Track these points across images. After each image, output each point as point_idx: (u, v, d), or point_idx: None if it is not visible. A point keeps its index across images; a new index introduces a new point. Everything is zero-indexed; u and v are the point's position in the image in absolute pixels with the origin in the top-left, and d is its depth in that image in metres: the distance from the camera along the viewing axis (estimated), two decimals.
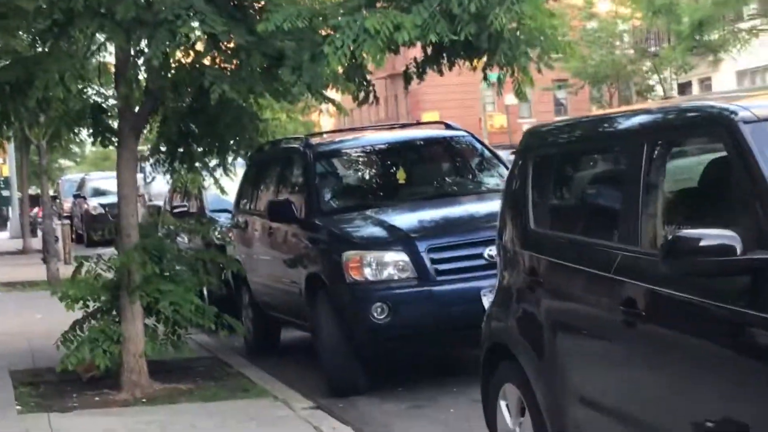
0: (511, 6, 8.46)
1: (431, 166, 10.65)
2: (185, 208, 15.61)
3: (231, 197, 13.60)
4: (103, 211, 30.91)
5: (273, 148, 11.67)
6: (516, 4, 8.41)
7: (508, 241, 6.02)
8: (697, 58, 36.16)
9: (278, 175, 11.05)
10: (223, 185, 13.79)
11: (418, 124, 11.84)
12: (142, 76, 10.44)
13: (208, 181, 13.81)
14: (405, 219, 9.35)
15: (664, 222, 4.61)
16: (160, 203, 18.70)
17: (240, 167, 14.02)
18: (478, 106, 55.56)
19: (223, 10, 9.30)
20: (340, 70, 9.32)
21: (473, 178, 10.42)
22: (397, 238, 8.90)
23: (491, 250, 8.63)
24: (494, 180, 10.28)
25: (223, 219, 14.69)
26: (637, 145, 4.81)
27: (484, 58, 10.44)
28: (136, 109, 10.53)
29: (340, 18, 8.73)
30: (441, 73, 10.67)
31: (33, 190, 42.22)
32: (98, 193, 33.13)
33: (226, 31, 9.05)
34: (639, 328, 4.55)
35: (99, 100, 11.79)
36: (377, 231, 9.12)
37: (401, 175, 10.27)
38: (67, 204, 36.40)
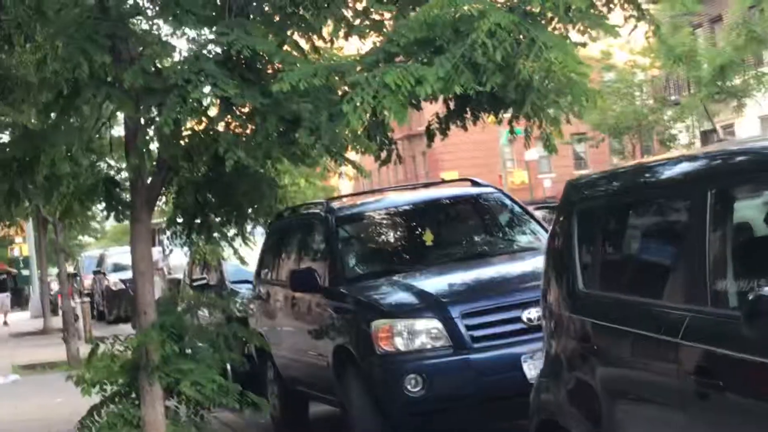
0: (539, 53, 7.98)
1: (459, 226, 10.12)
2: (205, 281, 15.13)
3: (252, 267, 13.18)
4: (123, 287, 30.39)
5: (293, 214, 11.19)
6: (545, 51, 7.92)
7: (554, 304, 5.49)
8: (720, 104, 35.70)
9: (299, 242, 10.55)
10: (242, 255, 13.37)
11: (443, 182, 11.34)
12: (153, 146, 10.00)
13: (228, 252, 13.39)
14: (435, 283, 8.82)
15: (738, 277, 4.07)
16: (180, 276, 18.22)
17: (260, 236, 13.60)
18: (498, 163, 55.20)
19: (235, 73, 8.87)
20: (360, 129, 8.86)
21: (504, 237, 9.89)
22: (429, 304, 8.36)
23: (529, 313, 8.11)
24: (526, 237, 9.76)
25: (245, 290, 14.22)
26: (699, 192, 4.28)
27: (510, 111, 10.01)
28: (149, 180, 10.08)
29: (357, 74, 8.28)
30: (465, 128, 10.20)
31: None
32: (118, 268, 32.67)
33: (239, 94, 8.60)
34: (716, 399, 3.99)
35: (111, 173, 11.38)
36: (407, 297, 8.59)
37: (428, 237, 9.75)
38: (88, 281, 36.02)
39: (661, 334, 4.39)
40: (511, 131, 10.43)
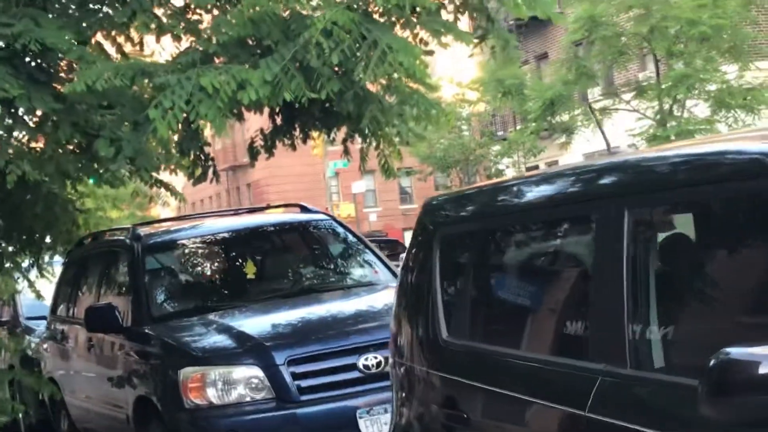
0: (383, 57, 6.83)
1: (286, 257, 8.85)
2: None
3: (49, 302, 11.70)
4: None
5: (94, 242, 9.75)
6: (389, 54, 6.78)
7: (408, 356, 4.30)
8: (546, 141, 35.53)
9: (101, 274, 9.12)
10: (38, 289, 11.85)
11: (269, 207, 10.08)
12: None
13: (22, 284, 11.83)
14: (256, 323, 7.55)
15: (675, 330, 2.97)
16: None
17: (59, 266, 12.09)
18: (324, 196, 54.23)
19: (22, 72, 7.47)
20: (173, 139, 7.57)
21: (337, 270, 8.67)
22: (249, 349, 7.08)
23: (366, 360, 6.94)
24: (362, 271, 8.58)
25: (42, 328, 12.64)
26: (613, 211, 3.18)
27: (344, 127, 8.87)
28: None
29: (168, 76, 6.98)
30: (293, 146, 9.01)
31: None
32: None
33: (24, 96, 7.20)
34: None
35: None
36: (222, 340, 7.28)
37: (250, 269, 8.48)
38: None
39: (558, 404, 3.26)
40: (346, 151, 9.28)
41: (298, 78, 6.91)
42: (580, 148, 38.15)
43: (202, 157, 8.16)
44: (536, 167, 42.50)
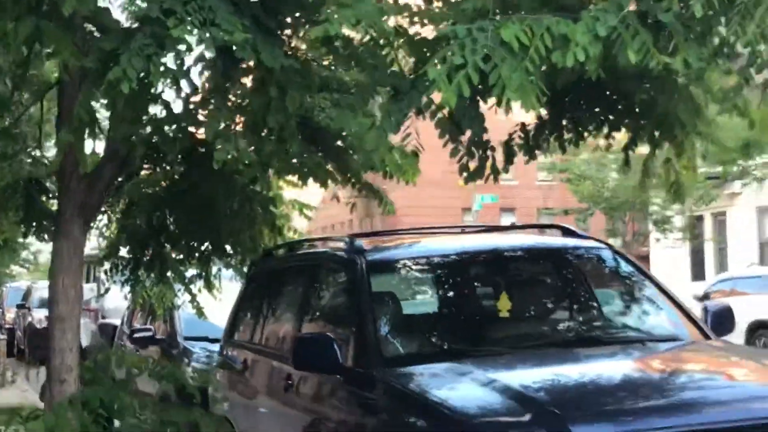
0: None
1: (551, 293, 6.69)
2: (150, 333, 11.59)
3: (214, 321, 9.88)
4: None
5: (291, 253, 7.78)
6: None
7: None
8: (716, 189, 32.93)
9: (303, 294, 7.10)
10: (200, 305, 10.04)
11: (517, 227, 7.97)
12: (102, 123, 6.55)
13: (183, 298, 10.03)
14: (540, 381, 5.42)
15: None
16: (116, 322, 14.60)
17: (228, 280, 10.21)
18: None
19: (246, 14, 5.52)
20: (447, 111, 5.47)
21: (626, 316, 6.47)
22: (540, 418, 4.93)
23: None
24: (656, 319, 6.40)
25: (199, 350, 10.78)
26: None
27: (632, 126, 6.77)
28: (86, 178, 6.67)
29: (454, 24, 4.94)
30: (563, 148, 6.94)
31: None
32: (46, 304, 28.73)
33: (247, 43, 5.23)
34: None
35: (35, 170, 8.02)
36: (505, 403, 5.16)
37: (504, 305, 6.34)
38: (10, 314, 32.17)
39: None
40: (626, 162, 7.17)
41: (643, 34, 4.80)
42: (753, 200, 35.36)
43: (480, 141, 6.07)
44: (700, 218, 39.75)
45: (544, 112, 6.60)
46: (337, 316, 6.61)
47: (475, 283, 6.70)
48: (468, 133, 5.89)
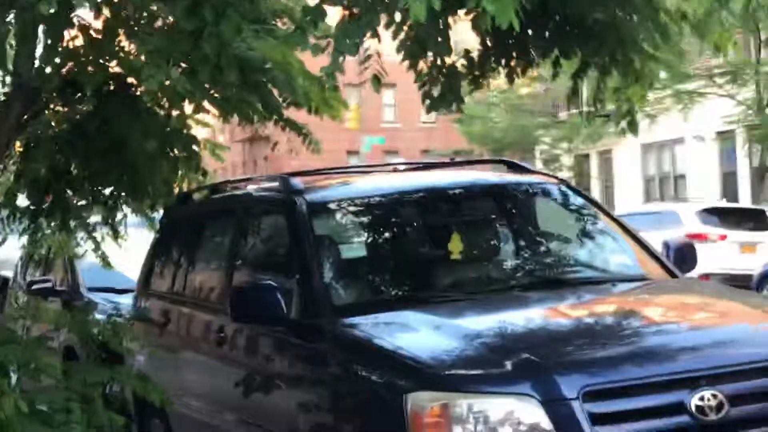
0: None
1: (505, 233, 6.25)
2: (49, 284, 10.87)
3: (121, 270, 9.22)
4: None
5: (215, 197, 7.21)
6: None
7: None
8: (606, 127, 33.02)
9: (233, 240, 6.55)
10: (106, 253, 9.35)
11: (461, 163, 7.47)
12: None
13: (85, 246, 9.33)
14: (508, 329, 4.99)
15: None
16: (8, 274, 13.77)
17: (134, 227, 9.56)
18: None
19: None
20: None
21: (590, 256, 6.07)
22: (518, 369, 4.52)
23: (701, 399, 4.42)
24: (621, 258, 6.03)
25: (102, 302, 10.13)
26: None
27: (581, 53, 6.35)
28: None
29: None
30: (511, 79, 6.49)
31: None
32: None
33: None
34: None
35: None
36: (468, 350, 4.73)
37: (455, 247, 5.91)
38: None
39: None
40: (575, 92, 6.76)
41: None
42: (638, 138, 35.57)
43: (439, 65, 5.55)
44: (587, 156, 39.95)
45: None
46: (275, 263, 6.09)
47: (426, 224, 6.23)
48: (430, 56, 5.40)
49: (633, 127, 6.63)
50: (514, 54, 6.33)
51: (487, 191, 6.39)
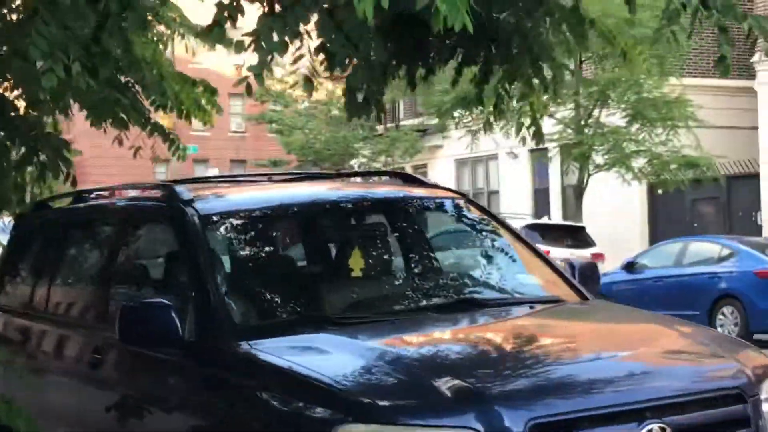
0: None
1: (412, 250, 5.86)
2: None
3: None
4: None
5: (82, 205, 6.62)
6: None
7: None
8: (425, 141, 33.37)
9: (108, 256, 5.98)
10: None
11: (356, 174, 7.04)
12: None
13: None
14: (433, 353, 4.66)
15: None
16: None
17: None
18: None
19: None
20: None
21: (498, 276, 5.76)
22: (458, 399, 4.19)
23: (652, 431, 4.20)
24: (528, 279, 5.79)
25: None
26: None
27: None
28: None
29: None
30: (413, 84, 6.17)
31: None
32: None
33: None
34: None
35: None
36: (399, 378, 4.37)
37: (356, 263, 5.55)
38: None
39: None
40: (479, 95, 6.45)
41: None
42: (452, 153, 35.81)
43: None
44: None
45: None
46: (160, 280, 5.58)
47: (327, 239, 5.82)
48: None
49: (540, 137, 6.40)
50: (415, 59, 6.02)
51: (393, 205, 6.01)
